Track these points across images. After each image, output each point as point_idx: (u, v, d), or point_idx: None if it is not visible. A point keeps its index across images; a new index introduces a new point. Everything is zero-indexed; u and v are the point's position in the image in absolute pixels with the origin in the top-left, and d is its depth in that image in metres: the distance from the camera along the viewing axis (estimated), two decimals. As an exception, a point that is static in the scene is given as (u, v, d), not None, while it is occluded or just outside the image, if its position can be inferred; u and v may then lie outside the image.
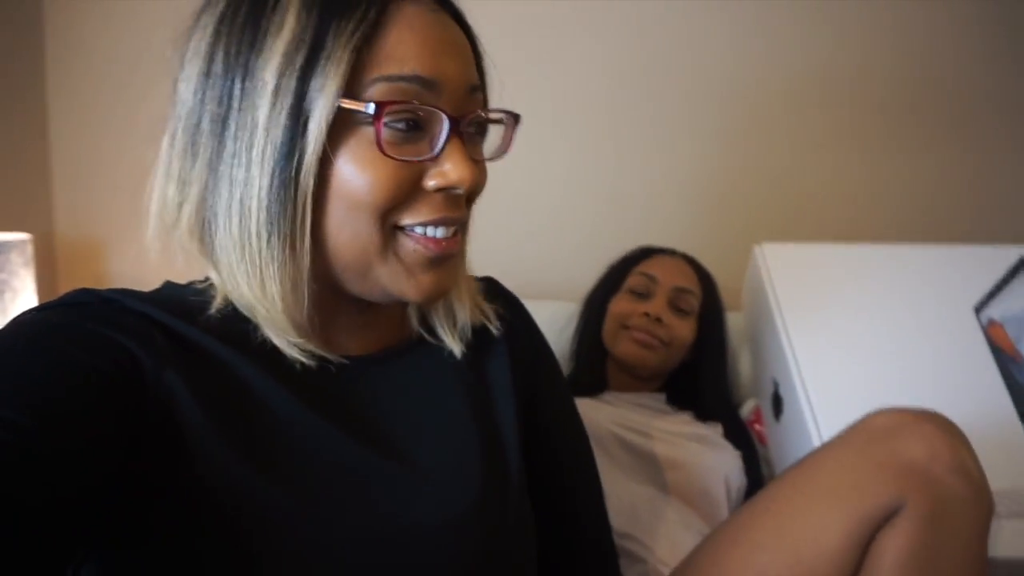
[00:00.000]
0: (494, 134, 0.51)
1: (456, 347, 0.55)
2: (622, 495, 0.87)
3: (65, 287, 1.49)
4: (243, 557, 0.41)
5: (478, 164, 0.49)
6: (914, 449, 0.60)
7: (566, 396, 0.67)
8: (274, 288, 0.44)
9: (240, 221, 0.44)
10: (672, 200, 1.49)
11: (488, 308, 0.59)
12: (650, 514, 0.86)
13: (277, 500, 0.43)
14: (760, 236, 1.09)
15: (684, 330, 1.05)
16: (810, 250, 1.05)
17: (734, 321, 1.17)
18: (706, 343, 1.07)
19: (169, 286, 0.50)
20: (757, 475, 0.99)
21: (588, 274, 1.18)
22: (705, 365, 1.07)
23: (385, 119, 0.43)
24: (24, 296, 1.26)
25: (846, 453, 0.63)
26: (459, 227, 0.50)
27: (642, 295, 1.06)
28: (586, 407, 0.96)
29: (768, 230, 1.22)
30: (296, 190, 0.43)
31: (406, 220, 0.46)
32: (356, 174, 0.44)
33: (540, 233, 1.50)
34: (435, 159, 0.46)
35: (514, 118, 0.51)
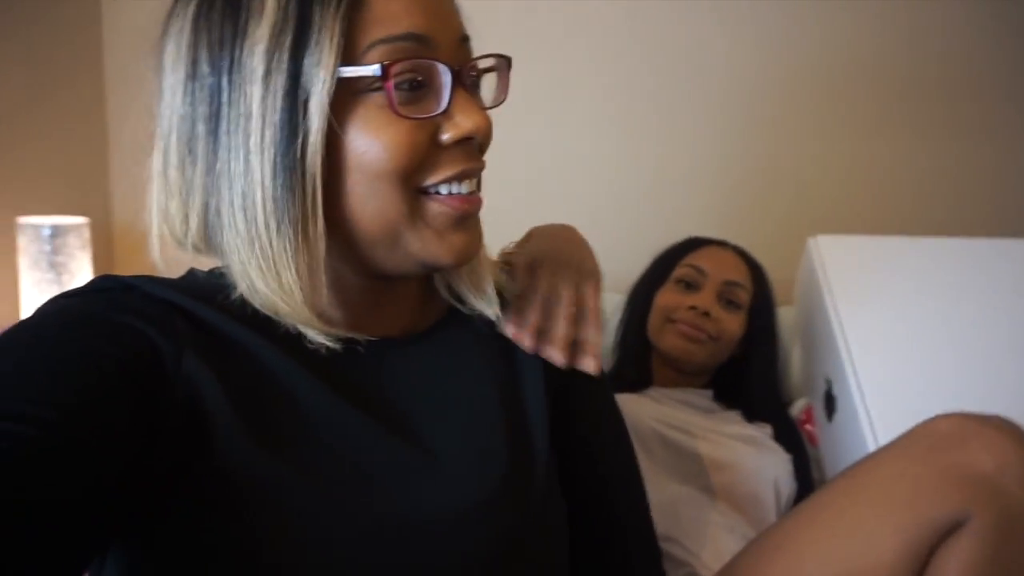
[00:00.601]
0: (487, 85, 0.51)
1: (489, 309, 0.54)
2: (664, 495, 0.85)
3: (121, 271, 1.54)
4: (264, 543, 0.41)
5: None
6: (981, 458, 0.56)
7: (602, 386, 0.64)
8: (290, 278, 0.43)
9: (245, 215, 0.43)
10: (723, 190, 1.45)
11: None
12: (693, 516, 0.83)
13: (298, 486, 0.42)
14: (813, 228, 1.05)
15: (733, 324, 1.01)
16: (867, 243, 1.01)
17: (785, 316, 1.14)
18: (756, 339, 1.03)
19: (193, 273, 0.50)
20: (808, 480, 0.95)
21: (633, 265, 1.15)
22: (754, 362, 1.04)
23: (392, 81, 0.43)
24: (80, 278, 1.30)
25: (905, 460, 0.59)
26: (478, 182, 0.50)
27: (690, 287, 1.03)
28: (629, 403, 0.94)
29: (822, 222, 1.17)
30: (304, 173, 0.42)
31: (429, 180, 0.46)
32: (371, 143, 0.43)
33: (585, 223, 1.47)
34: (445, 113, 0.45)
35: (506, 62, 0.50)
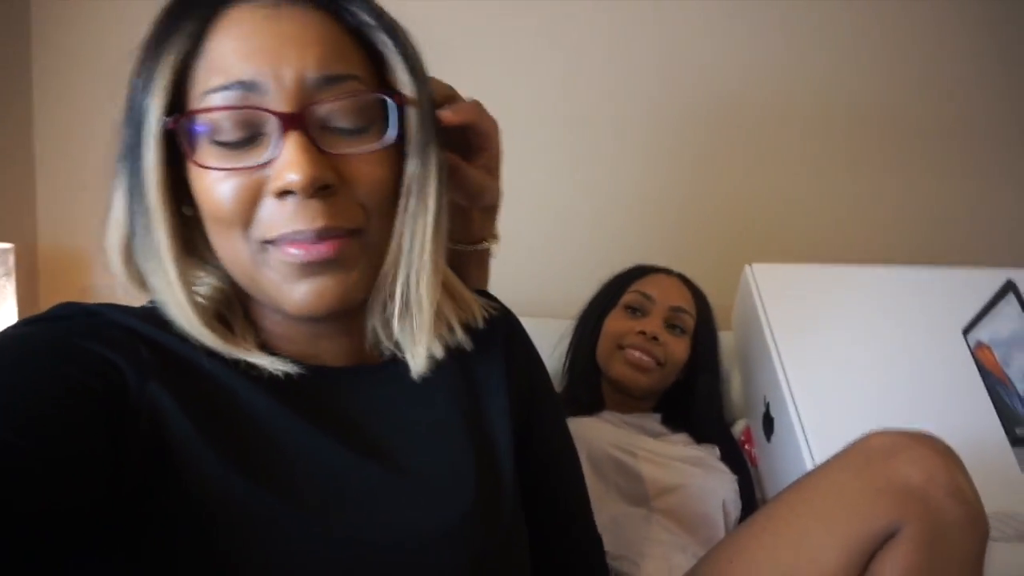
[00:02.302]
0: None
1: (419, 362, 0.51)
2: (617, 516, 0.86)
3: (46, 298, 1.46)
4: (231, 565, 0.41)
5: (343, 157, 0.44)
6: (911, 472, 0.60)
7: (558, 408, 0.66)
8: (193, 324, 0.46)
9: (158, 262, 0.45)
10: (666, 221, 1.49)
11: (480, 308, 0.57)
12: (644, 536, 0.85)
13: (265, 507, 0.42)
14: (750, 257, 1.10)
15: (679, 349, 1.04)
16: (800, 271, 1.06)
17: (725, 341, 1.17)
18: (700, 363, 1.07)
19: (154, 301, 0.49)
20: (752, 499, 0.98)
21: (580, 291, 1.18)
22: (699, 385, 1.07)
23: (216, 135, 0.43)
24: (4, 306, 1.23)
25: (842, 475, 0.63)
26: (343, 232, 0.45)
27: (637, 312, 1.06)
28: (584, 427, 0.96)
29: (758, 251, 1.23)
30: (148, 209, 0.44)
31: (268, 235, 0.44)
32: (203, 191, 0.44)
33: (532, 250, 1.50)
34: (271, 163, 0.43)
35: (379, 99, 0.46)
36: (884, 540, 0.59)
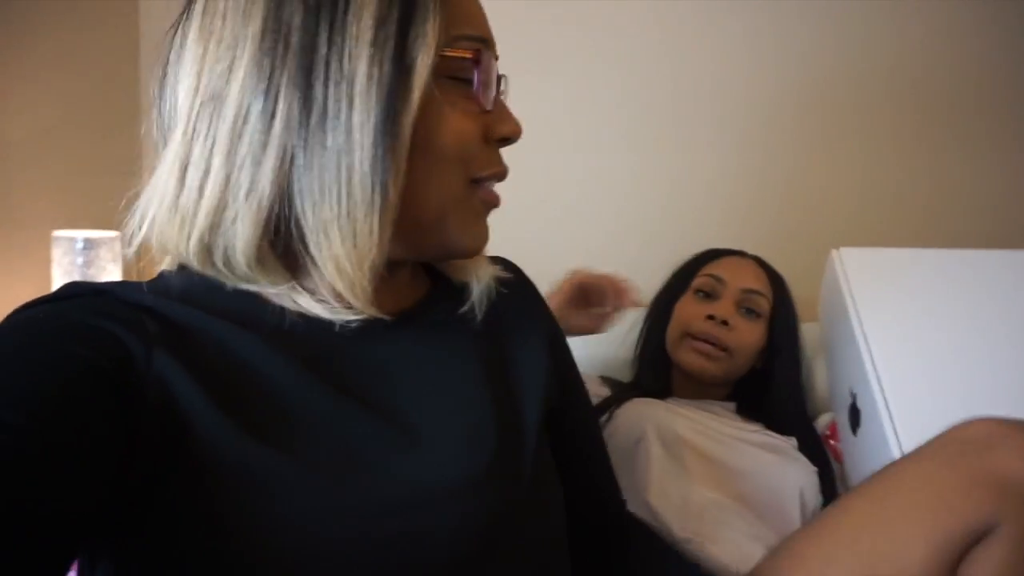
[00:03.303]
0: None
1: (481, 293, 0.55)
2: (689, 498, 0.83)
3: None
4: (254, 527, 0.41)
5: None
6: (1012, 464, 0.55)
7: (577, 373, 0.67)
8: (373, 254, 0.43)
9: (340, 176, 0.42)
10: (742, 207, 1.45)
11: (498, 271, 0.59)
12: (716, 520, 0.82)
13: (283, 469, 0.42)
14: (833, 243, 1.04)
15: (752, 334, 1.00)
16: (890, 255, 1.00)
17: (808, 333, 1.12)
18: (777, 349, 1.02)
19: (164, 275, 0.49)
20: (833, 494, 0.93)
21: (653, 280, 1.15)
22: (777, 373, 1.02)
23: (460, 73, 0.46)
24: (110, 291, 1.33)
25: (933, 465, 0.58)
26: None
27: (709, 296, 1.03)
28: (653, 407, 0.93)
29: (841, 238, 1.16)
30: (399, 139, 0.43)
31: (482, 172, 0.48)
32: (446, 126, 0.45)
33: (605, 239, 1.49)
34: (490, 113, 0.48)
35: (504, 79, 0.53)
36: (978, 538, 0.54)
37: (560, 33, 1.45)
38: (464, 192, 0.48)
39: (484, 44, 0.47)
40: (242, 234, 0.43)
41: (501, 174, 0.50)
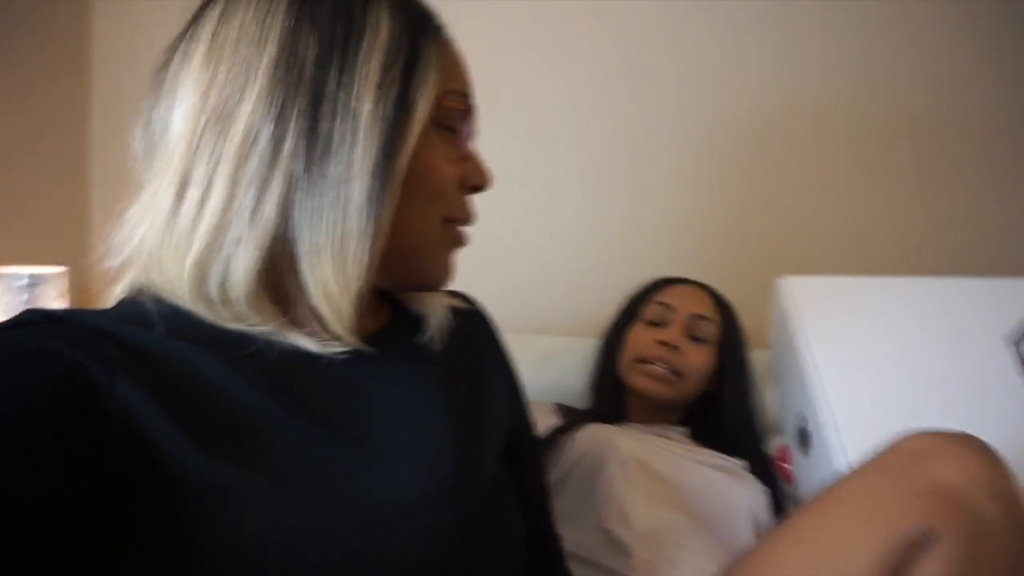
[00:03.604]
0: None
1: (439, 323, 0.58)
2: (647, 520, 0.84)
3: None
4: (223, 548, 0.41)
5: None
6: (949, 473, 0.57)
7: (529, 411, 0.70)
8: (361, 281, 0.46)
9: (343, 218, 0.45)
10: (693, 238, 1.48)
11: (457, 303, 0.64)
12: (674, 542, 0.82)
13: (248, 488, 0.42)
14: (781, 272, 1.08)
15: (701, 358, 1.02)
16: (833, 283, 1.04)
17: (759, 360, 1.15)
18: (727, 373, 1.05)
19: (123, 301, 0.49)
20: (784, 514, 0.95)
21: (606, 310, 1.17)
22: (728, 397, 1.04)
23: (449, 122, 0.51)
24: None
25: (875, 478, 0.60)
26: None
27: (659, 323, 1.05)
28: (607, 431, 0.94)
29: (789, 266, 1.21)
30: (394, 176, 0.46)
31: (456, 214, 0.53)
32: (433, 168, 0.49)
33: (558, 270, 1.50)
34: (467, 161, 0.53)
35: None
36: (920, 546, 0.56)
37: (510, 70, 1.49)
38: (440, 230, 0.52)
39: (465, 97, 0.52)
40: (244, 257, 0.44)
41: (470, 218, 0.54)
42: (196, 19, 0.48)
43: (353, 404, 0.49)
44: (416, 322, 0.58)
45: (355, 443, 0.47)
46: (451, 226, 0.53)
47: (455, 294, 0.66)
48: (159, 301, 0.47)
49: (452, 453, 0.50)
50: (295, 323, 0.48)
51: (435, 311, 0.59)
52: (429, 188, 0.49)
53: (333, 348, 0.48)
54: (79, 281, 1.46)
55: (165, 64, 0.48)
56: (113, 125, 1.54)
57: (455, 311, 0.62)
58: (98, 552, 0.40)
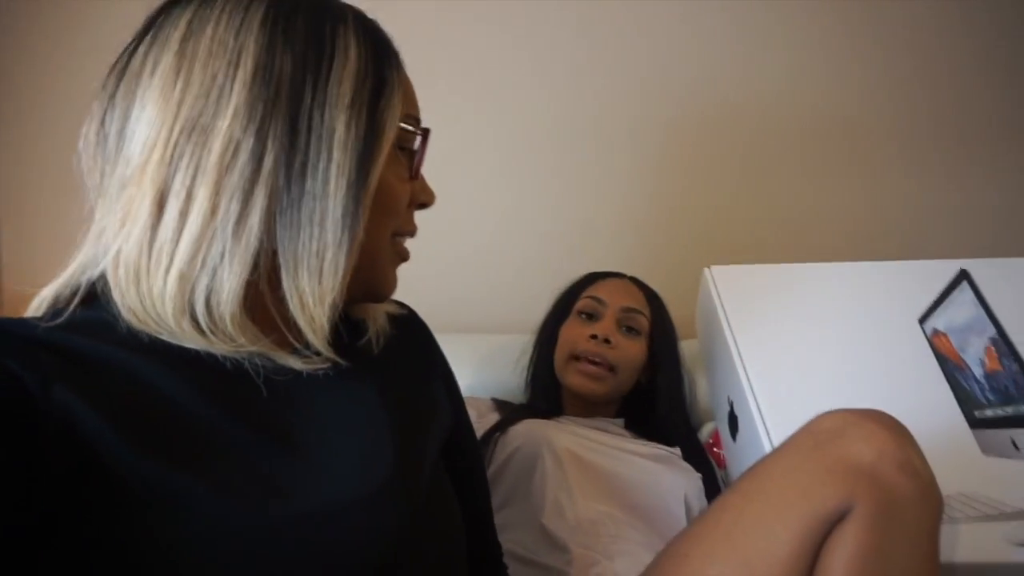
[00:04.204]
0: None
1: (378, 328, 0.60)
2: (582, 513, 0.84)
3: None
4: (162, 549, 0.41)
5: None
6: (860, 449, 0.59)
7: (464, 407, 0.72)
8: (335, 293, 0.48)
9: (320, 232, 0.46)
10: (628, 232, 1.51)
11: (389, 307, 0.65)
12: (612, 535, 0.83)
13: (190, 490, 0.42)
14: (711, 263, 1.10)
15: (633, 350, 1.04)
16: (757, 270, 1.06)
17: (691, 348, 1.17)
18: (659, 364, 1.06)
19: (57, 310, 0.48)
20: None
21: (540, 306, 1.18)
22: (660, 387, 1.06)
23: (406, 145, 0.54)
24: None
25: (793, 458, 0.62)
26: None
27: (591, 317, 1.06)
28: (541, 426, 0.95)
29: (719, 257, 1.24)
30: (366, 192, 0.48)
31: (404, 229, 0.56)
32: (393, 187, 0.52)
33: (491, 267, 1.50)
34: (416, 181, 0.56)
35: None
36: (837, 520, 0.58)
37: (442, 74, 1.48)
38: (388, 244, 0.54)
39: (417, 122, 0.55)
40: (231, 272, 0.45)
41: (414, 232, 0.58)
42: (156, 24, 0.48)
43: (294, 404, 0.50)
44: (355, 327, 0.59)
45: (296, 447, 0.48)
46: (398, 240, 0.56)
47: (392, 301, 0.66)
48: (105, 310, 0.46)
49: (392, 454, 0.51)
50: (279, 343, 0.49)
51: (374, 317, 0.60)
52: (386, 205, 0.51)
53: (315, 365, 0.50)
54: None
55: (123, 68, 0.47)
56: (17, 142, 1.46)
57: (393, 317, 0.63)
58: (38, 559, 0.40)
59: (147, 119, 0.45)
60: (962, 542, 0.74)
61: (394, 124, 0.51)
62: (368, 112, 0.49)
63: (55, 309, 0.48)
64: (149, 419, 0.43)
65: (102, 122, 0.47)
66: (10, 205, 1.45)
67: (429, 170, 0.58)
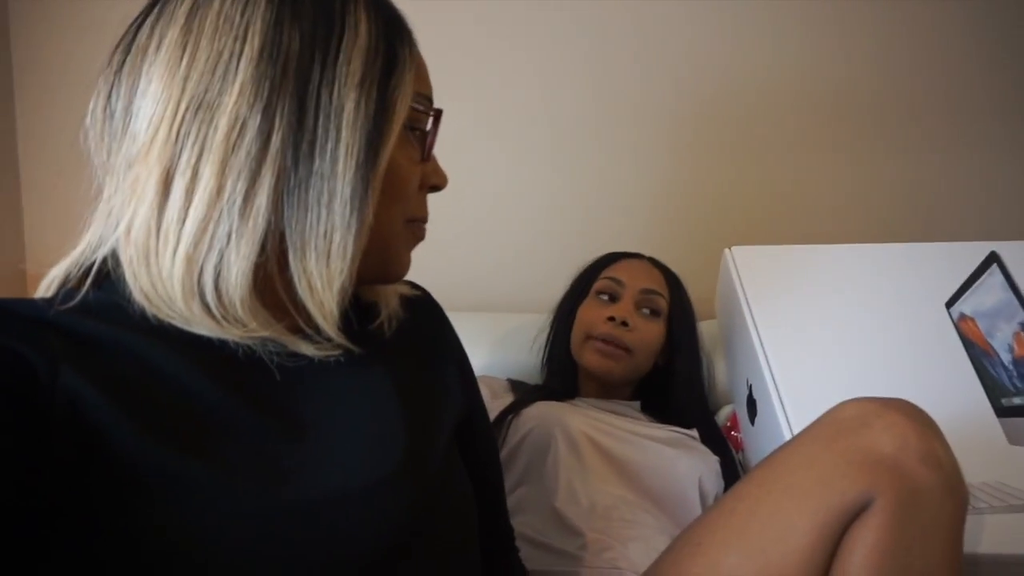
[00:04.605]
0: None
1: (391, 311, 0.59)
2: (596, 498, 0.84)
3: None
4: (169, 534, 0.41)
5: None
6: (882, 440, 0.58)
7: (481, 398, 0.71)
8: (344, 276, 0.47)
9: (328, 213, 0.45)
10: (644, 211, 1.49)
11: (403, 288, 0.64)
12: (627, 519, 0.83)
13: (198, 475, 0.42)
14: (730, 243, 1.08)
15: (651, 332, 1.02)
16: (778, 251, 1.04)
17: (709, 329, 1.16)
18: (677, 345, 1.05)
19: (69, 291, 0.48)
20: (735, 481, 0.96)
21: (558, 285, 1.16)
22: (678, 369, 1.05)
23: (417, 125, 0.52)
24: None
25: (813, 447, 0.61)
26: None
27: (609, 298, 1.04)
28: (556, 409, 0.94)
29: (738, 237, 1.22)
30: (377, 171, 0.47)
31: (416, 213, 0.54)
32: (404, 169, 0.51)
33: (510, 246, 1.49)
34: (427, 163, 0.55)
35: None
36: (857, 512, 0.57)
37: (462, 57, 1.45)
38: (402, 227, 0.53)
39: (430, 102, 0.53)
40: (239, 254, 0.44)
41: (426, 218, 0.56)
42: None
43: (305, 394, 0.49)
44: (367, 310, 0.58)
45: (306, 433, 0.47)
46: (411, 225, 0.54)
47: (406, 282, 0.66)
48: (117, 292, 0.46)
49: (403, 441, 0.50)
50: (291, 329, 0.49)
51: (386, 299, 0.59)
52: (396, 187, 0.50)
53: (327, 351, 0.49)
54: (15, 284, 1.40)
55: (128, 43, 0.47)
56: (40, 126, 1.46)
57: (406, 299, 0.62)
58: (44, 542, 0.40)
59: (153, 95, 0.44)
60: (987, 533, 0.73)
61: (405, 104, 0.49)
62: (378, 91, 0.47)
63: (66, 290, 0.47)
64: (158, 404, 0.43)
65: (108, 98, 0.47)
66: (33, 192, 1.47)
67: (443, 148, 0.56)
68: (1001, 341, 0.90)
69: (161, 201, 0.44)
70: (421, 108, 0.52)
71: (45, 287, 0.49)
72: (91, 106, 0.47)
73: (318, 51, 0.46)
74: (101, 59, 0.48)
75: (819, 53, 1.46)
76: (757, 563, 0.57)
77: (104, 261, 0.47)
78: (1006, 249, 0.99)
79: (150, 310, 0.45)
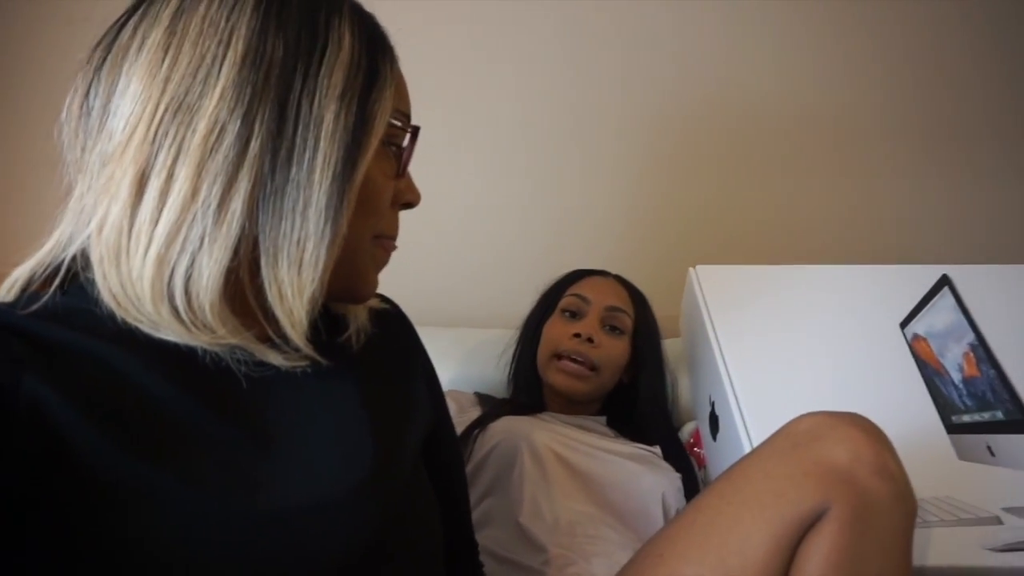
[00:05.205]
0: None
1: (359, 324, 0.59)
2: (560, 513, 0.84)
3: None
4: (133, 543, 0.40)
5: None
6: (836, 452, 0.60)
7: (447, 411, 0.71)
8: (315, 286, 0.46)
9: (302, 222, 0.45)
10: (614, 229, 1.50)
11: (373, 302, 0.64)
12: (590, 535, 0.83)
13: (164, 484, 0.42)
14: (698, 262, 1.10)
15: (616, 349, 1.04)
16: (742, 271, 1.07)
17: (674, 347, 1.17)
18: (642, 363, 1.06)
19: (32, 295, 0.47)
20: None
21: (524, 302, 1.17)
22: (643, 386, 1.06)
23: (394, 141, 0.53)
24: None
25: (769, 460, 0.62)
26: None
27: (575, 315, 1.06)
28: (525, 424, 0.94)
29: (706, 256, 1.24)
30: (353, 183, 0.47)
31: (385, 231, 0.54)
32: (378, 183, 0.51)
33: (478, 263, 1.50)
34: (401, 179, 0.55)
35: None
36: (812, 523, 0.58)
37: (436, 71, 1.47)
38: (370, 245, 0.53)
39: (407, 119, 0.54)
40: (211, 258, 0.43)
41: (395, 235, 0.56)
42: (147, 0, 0.47)
43: (272, 405, 0.49)
44: (337, 322, 0.58)
45: (273, 444, 0.47)
46: (379, 242, 0.54)
47: (376, 295, 0.66)
48: (85, 295, 0.45)
49: (370, 453, 0.51)
50: (260, 337, 0.48)
51: (355, 312, 0.59)
52: (369, 201, 0.50)
53: (295, 361, 0.49)
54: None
55: (110, 42, 0.46)
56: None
57: (376, 312, 0.63)
58: (19, 541, 0.39)
59: (132, 94, 0.44)
60: (935, 546, 0.75)
61: (384, 119, 0.49)
62: (358, 104, 0.48)
63: (30, 293, 0.46)
64: (124, 412, 0.43)
65: (86, 95, 0.46)
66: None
67: (416, 164, 0.57)
68: (952, 361, 0.94)
69: (135, 201, 0.43)
70: (399, 124, 0.52)
71: (8, 287, 0.48)
72: (67, 102, 0.47)
73: (301, 61, 0.46)
74: (75, 55, 0.48)
75: (788, 74, 1.50)
76: (716, 573, 0.58)
77: (73, 260, 0.47)
78: (957, 272, 1.03)
79: (118, 313, 0.45)
